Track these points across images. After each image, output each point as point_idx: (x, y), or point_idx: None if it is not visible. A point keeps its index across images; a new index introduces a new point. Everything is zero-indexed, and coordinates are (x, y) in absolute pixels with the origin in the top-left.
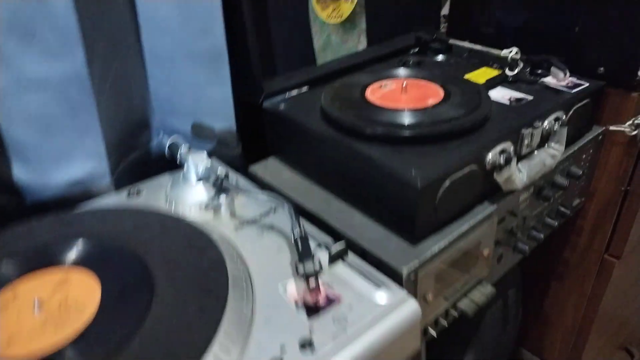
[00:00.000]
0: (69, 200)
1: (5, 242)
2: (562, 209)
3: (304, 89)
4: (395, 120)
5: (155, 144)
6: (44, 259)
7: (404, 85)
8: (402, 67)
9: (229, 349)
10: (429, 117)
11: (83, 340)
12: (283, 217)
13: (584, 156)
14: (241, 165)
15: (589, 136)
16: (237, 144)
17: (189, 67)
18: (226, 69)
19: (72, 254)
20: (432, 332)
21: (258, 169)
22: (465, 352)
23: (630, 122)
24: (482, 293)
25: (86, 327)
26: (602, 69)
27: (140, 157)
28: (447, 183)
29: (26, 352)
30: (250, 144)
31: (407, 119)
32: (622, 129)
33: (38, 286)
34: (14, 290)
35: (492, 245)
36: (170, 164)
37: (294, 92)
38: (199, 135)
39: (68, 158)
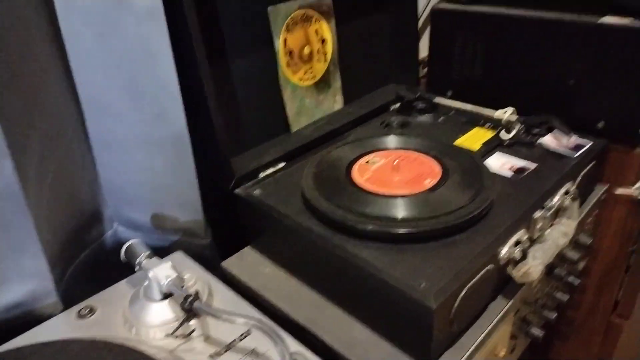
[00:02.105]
0: (9, 325)
1: None
2: (571, 279)
3: (280, 165)
4: (391, 213)
5: (109, 236)
6: None
7: (395, 163)
8: (389, 136)
9: None
10: (429, 206)
11: None
12: (261, 339)
13: (589, 220)
14: (212, 257)
15: (593, 198)
16: (206, 233)
17: (145, 153)
18: (189, 153)
19: None
20: None
21: (232, 264)
22: None
23: (638, 185)
24: None
25: None
26: (601, 123)
27: (93, 255)
28: (463, 293)
29: None
30: (222, 231)
31: (404, 211)
32: (629, 192)
33: None
34: None
35: (507, 343)
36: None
37: (269, 170)
38: (161, 226)
39: (3, 280)
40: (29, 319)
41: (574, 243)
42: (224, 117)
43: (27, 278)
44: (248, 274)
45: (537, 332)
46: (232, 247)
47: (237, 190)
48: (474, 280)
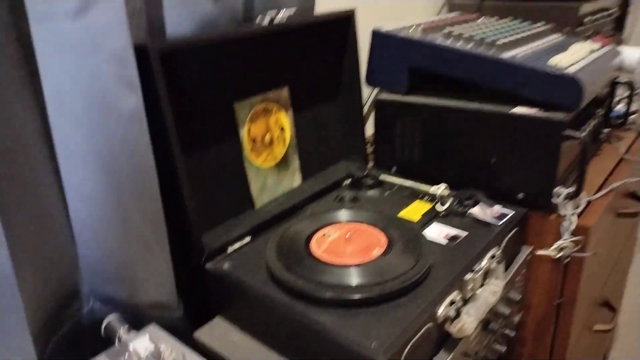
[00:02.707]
0: None
1: None
2: (507, 331)
3: (247, 239)
4: (346, 281)
5: (86, 312)
6: None
7: (347, 235)
8: (341, 210)
9: None
10: (377, 273)
11: None
12: None
13: (517, 278)
14: (184, 328)
15: (520, 259)
16: (179, 306)
17: (121, 233)
18: (163, 232)
19: None
20: None
21: (204, 334)
22: None
23: (555, 246)
24: None
25: None
26: (521, 194)
27: (71, 330)
28: (408, 348)
29: None
30: (193, 302)
31: (357, 278)
32: (548, 253)
33: None
34: None
35: None
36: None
37: (237, 245)
38: (135, 301)
39: None
40: None
41: (505, 299)
42: (196, 198)
43: (13, 357)
44: (219, 343)
45: None
46: (203, 318)
47: (208, 265)
48: (417, 336)
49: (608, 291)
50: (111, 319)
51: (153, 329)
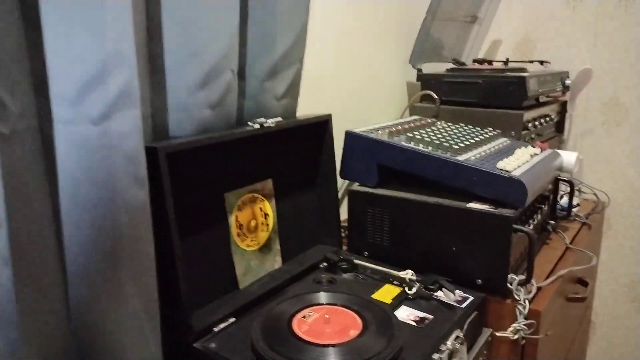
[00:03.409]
0: None
1: None
2: None
3: (231, 319)
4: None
5: None
6: None
7: (325, 317)
8: (320, 293)
9: None
10: (355, 353)
11: None
12: None
13: (480, 358)
14: None
15: (481, 340)
16: None
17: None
18: (156, 314)
19: None
20: None
21: None
22: None
23: (512, 328)
24: None
25: None
26: (479, 280)
27: None
28: None
29: None
30: None
31: (335, 358)
32: (506, 334)
33: None
34: None
35: None
36: None
37: (222, 325)
38: None
39: None
40: None
41: None
42: (187, 281)
43: None
44: None
45: None
46: None
47: (196, 345)
48: None
49: None
50: None
51: None
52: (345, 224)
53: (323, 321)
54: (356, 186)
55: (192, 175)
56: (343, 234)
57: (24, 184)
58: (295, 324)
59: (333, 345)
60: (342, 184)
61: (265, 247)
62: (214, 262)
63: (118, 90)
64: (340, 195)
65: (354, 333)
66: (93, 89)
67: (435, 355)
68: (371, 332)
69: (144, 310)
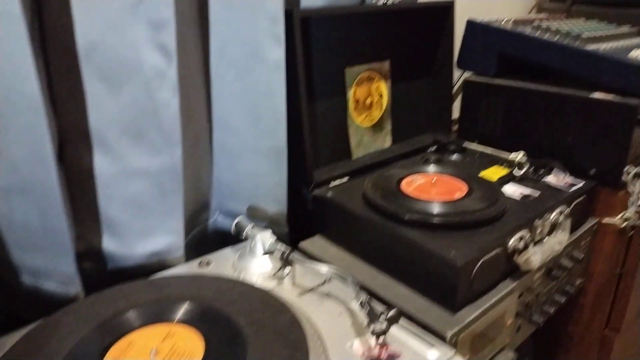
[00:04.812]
0: (145, 269)
1: (109, 302)
2: (567, 287)
3: (345, 179)
4: (430, 210)
5: (212, 222)
6: (148, 316)
7: (433, 181)
8: (429, 164)
9: None
10: (458, 208)
11: None
12: (337, 287)
13: (582, 243)
14: (289, 243)
15: (586, 226)
16: (286, 224)
17: (253, 159)
18: (284, 162)
19: (174, 312)
20: None
21: (307, 245)
22: None
23: (620, 216)
24: (506, 357)
25: None
26: (593, 170)
27: (199, 234)
28: (479, 263)
29: None
30: (296, 224)
31: (440, 209)
32: (613, 222)
33: (149, 336)
34: (128, 339)
35: (513, 316)
36: (222, 240)
37: (337, 182)
38: (254, 216)
39: (153, 234)
40: (160, 266)
41: (569, 256)
42: (311, 140)
43: (169, 234)
44: (319, 252)
45: (538, 319)
46: (303, 237)
47: (315, 192)
48: (488, 256)
49: None
50: (240, 218)
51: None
52: (455, 120)
53: (430, 184)
54: (472, 76)
55: (319, 46)
56: (454, 128)
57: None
58: (404, 184)
59: (438, 201)
60: (457, 75)
61: (378, 126)
62: (331, 130)
63: None
64: (454, 87)
65: (458, 195)
66: None
67: (538, 222)
68: (476, 197)
69: (275, 160)
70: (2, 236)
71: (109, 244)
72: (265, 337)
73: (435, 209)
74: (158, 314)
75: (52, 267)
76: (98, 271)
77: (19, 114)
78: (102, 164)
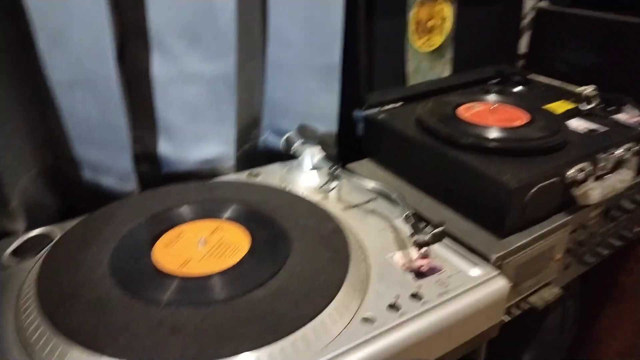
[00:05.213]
0: (197, 175)
1: (163, 198)
2: (625, 232)
3: (399, 103)
4: (486, 135)
5: (262, 140)
6: (198, 212)
7: (492, 108)
8: (490, 94)
9: (354, 292)
10: (516, 134)
11: (239, 268)
12: (381, 206)
13: None
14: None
15: None
16: (335, 145)
17: (306, 76)
18: (337, 80)
19: (223, 211)
20: (505, 318)
21: (355, 166)
22: (523, 352)
23: None
24: (551, 292)
25: (241, 261)
26: None
27: (249, 150)
28: (534, 189)
29: (198, 272)
30: (344, 146)
31: (496, 134)
32: None
33: (199, 229)
34: (179, 229)
35: (563, 251)
36: (270, 159)
37: (390, 106)
38: (303, 135)
39: (206, 140)
40: (212, 174)
41: (631, 199)
42: (366, 59)
43: (221, 142)
44: (367, 173)
45: (589, 259)
46: (351, 162)
47: (367, 112)
48: (544, 183)
49: None
50: (291, 134)
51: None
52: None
53: (489, 112)
54: (546, 4)
55: None
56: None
57: None
58: (461, 110)
59: (495, 127)
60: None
61: (437, 52)
62: (388, 53)
63: None
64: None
65: (518, 123)
66: None
67: (601, 155)
68: (537, 126)
69: (328, 78)
70: (67, 132)
71: (164, 147)
72: (308, 240)
73: (493, 134)
74: (208, 211)
75: (111, 163)
76: (153, 174)
77: (83, 7)
78: (159, 66)
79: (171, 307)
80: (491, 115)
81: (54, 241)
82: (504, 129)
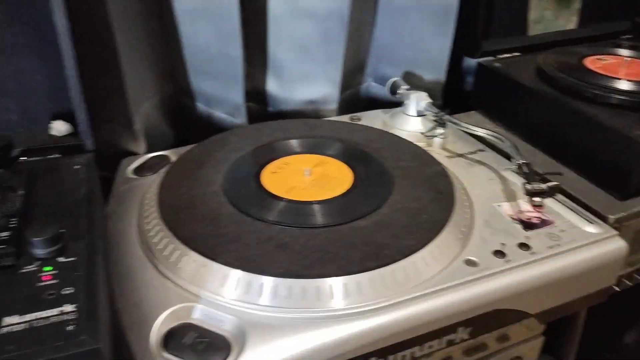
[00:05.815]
0: (301, 115)
1: (271, 131)
2: None
3: (516, 53)
4: (617, 87)
5: (365, 87)
6: (303, 146)
7: (624, 61)
8: (622, 48)
9: (458, 234)
10: None
11: (342, 199)
12: (489, 157)
13: None
14: None
15: None
16: (441, 95)
17: (419, 19)
18: (452, 24)
19: (327, 148)
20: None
21: (462, 117)
22: (625, 331)
23: None
24: None
25: (344, 194)
26: None
27: (351, 95)
28: None
29: (303, 198)
30: (450, 100)
31: (628, 87)
32: None
33: (303, 161)
34: (285, 160)
35: None
36: (373, 107)
37: (506, 55)
38: (409, 82)
39: (313, 80)
40: (315, 115)
41: None
42: (486, 2)
43: (326, 83)
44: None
45: None
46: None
47: (481, 60)
48: None
49: None
50: (396, 78)
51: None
52: None
53: (620, 65)
54: None
55: None
56: None
57: None
58: (588, 62)
59: (626, 80)
60: None
61: (564, 1)
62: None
63: None
64: None
65: None
66: None
67: None
68: None
69: (442, 21)
70: (186, 62)
71: (272, 85)
72: (411, 180)
73: (623, 86)
74: (312, 146)
75: (224, 96)
76: (259, 112)
77: None
78: (276, 0)
79: (279, 225)
80: (623, 69)
81: (173, 161)
82: (637, 82)
